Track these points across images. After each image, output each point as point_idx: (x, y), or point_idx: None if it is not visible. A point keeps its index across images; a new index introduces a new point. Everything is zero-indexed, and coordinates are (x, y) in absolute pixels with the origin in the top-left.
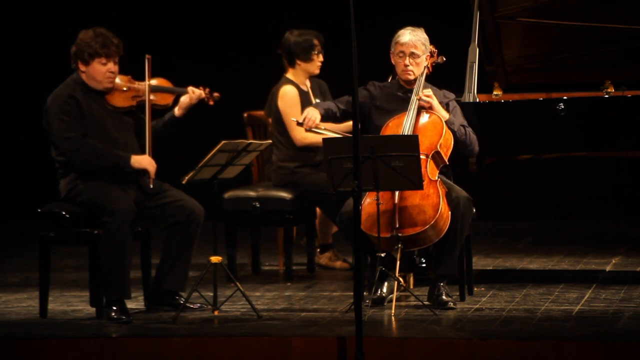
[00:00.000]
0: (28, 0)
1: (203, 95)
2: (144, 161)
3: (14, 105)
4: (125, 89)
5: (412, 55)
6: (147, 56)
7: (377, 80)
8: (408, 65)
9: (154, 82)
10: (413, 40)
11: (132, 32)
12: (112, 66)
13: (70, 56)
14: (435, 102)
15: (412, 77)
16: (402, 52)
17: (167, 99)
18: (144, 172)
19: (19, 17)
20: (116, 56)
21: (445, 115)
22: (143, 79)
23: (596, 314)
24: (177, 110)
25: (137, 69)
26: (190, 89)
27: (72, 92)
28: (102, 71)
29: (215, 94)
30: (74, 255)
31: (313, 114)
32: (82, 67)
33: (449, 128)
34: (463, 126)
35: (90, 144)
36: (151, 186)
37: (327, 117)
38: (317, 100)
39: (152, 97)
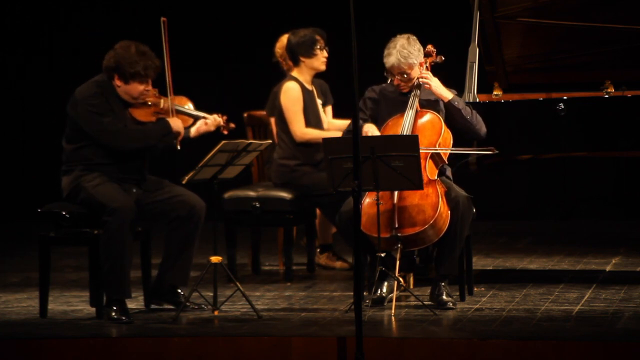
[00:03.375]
0: (28, 1)
1: (221, 123)
2: (178, 122)
3: (14, 105)
4: (150, 103)
5: (401, 74)
6: (162, 19)
7: (376, 83)
8: (399, 84)
9: (175, 102)
10: (397, 64)
11: (132, 31)
12: (149, 85)
13: (104, 66)
14: (435, 82)
15: (406, 90)
16: (391, 72)
17: (187, 121)
18: (176, 134)
19: (18, 17)
20: (155, 76)
21: (448, 94)
22: (167, 95)
23: (596, 314)
24: (193, 132)
25: (160, 83)
26: (208, 116)
27: (103, 93)
28: (139, 90)
29: (232, 125)
30: (74, 255)
31: (373, 132)
32: (119, 82)
33: (454, 106)
34: (468, 106)
35: (129, 126)
36: (178, 147)
37: None
38: (320, 101)
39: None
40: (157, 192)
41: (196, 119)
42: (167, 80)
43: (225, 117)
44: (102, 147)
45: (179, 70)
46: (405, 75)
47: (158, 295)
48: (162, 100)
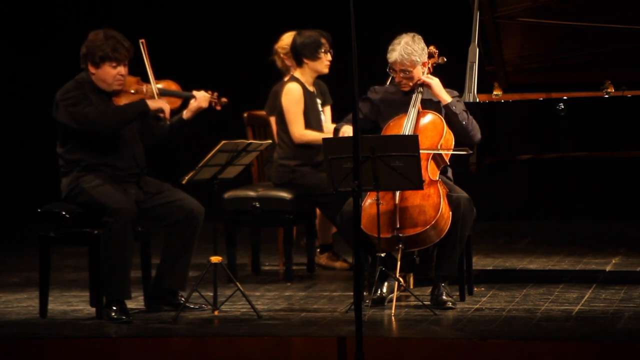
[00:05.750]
0: (29, 3)
1: (210, 98)
2: (159, 101)
3: (14, 105)
4: (132, 91)
5: (403, 72)
6: (140, 41)
7: (376, 83)
8: (401, 81)
9: (160, 85)
10: (400, 59)
11: (132, 31)
12: (122, 69)
13: (80, 56)
14: (436, 83)
15: (407, 89)
16: (393, 69)
17: (175, 103)
18: (160, 111)
19: (20, 19)
20: (126, 59)
21: (447, 97)
22: (150, 81)
23: (596, 314)
24: (185, 113)
25: (139, 70)
26: (196, 93)
27: (81, 88)
28: (112, 74)
29: (223, 99)
30: (74, 255)
31: (350, 133)
32: (92, 69)
33: (451, 112)
34: (465, 111)
35: (105, 108)
36: (168, 122)
37: None
38: (319, 101)
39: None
40: (156, 196)
41: (184, 98)
42: (152, 83)
43: (216, 93)
44: (93, 144)
45: (179, 70)
46: (407, 73)
47: (156, 299)
48: (144, 87)
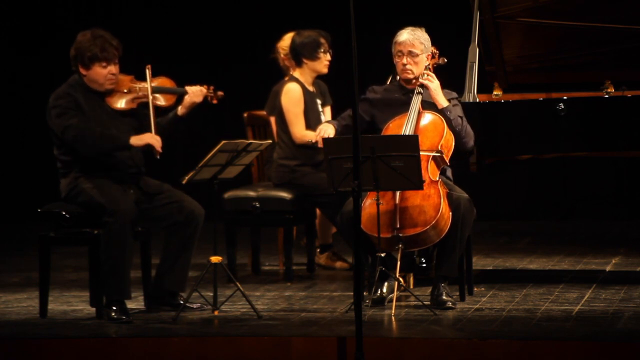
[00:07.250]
0: (29, 3)
1: (205, 93)
2: (145, 137)
3: (14, 106)
4: (126, 90)
5: (410, 54)
6: (147, 66)
7: (376, 83)
8: (406, 65)
9: (155, 83)
10: (410, 39)
11: (132, 31)
12: (112, 68)
13: (70, 59)
14: (435, 85)
15: (411, 76)
16: (400, 51)
17: (170, 100)
18: (148, 147)
19: (19, 19)
20: (116, 58)
21: (443, 102)
22: (145, 80)
23: (596, 314)
24: (180, 109)
25: (139, 69)
26: (189, 88)
27: (72, 91)
28: (103, 74)
29: (219, 93)
30: (74, 255)
31: (326, 130)
32: (82, 71)
33: (446, 116)
34: (460, 117)
35: (91, 127)
36: (158, 157)
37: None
38: (319, 101)
39: (157, 101)
40: (156, 197)
41: (178, 94)
42: (150, 117)
43: (212, 87)
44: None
45: (179, 70)
46: (414, 56)
47: (156, 299)
48: (138, 86)
